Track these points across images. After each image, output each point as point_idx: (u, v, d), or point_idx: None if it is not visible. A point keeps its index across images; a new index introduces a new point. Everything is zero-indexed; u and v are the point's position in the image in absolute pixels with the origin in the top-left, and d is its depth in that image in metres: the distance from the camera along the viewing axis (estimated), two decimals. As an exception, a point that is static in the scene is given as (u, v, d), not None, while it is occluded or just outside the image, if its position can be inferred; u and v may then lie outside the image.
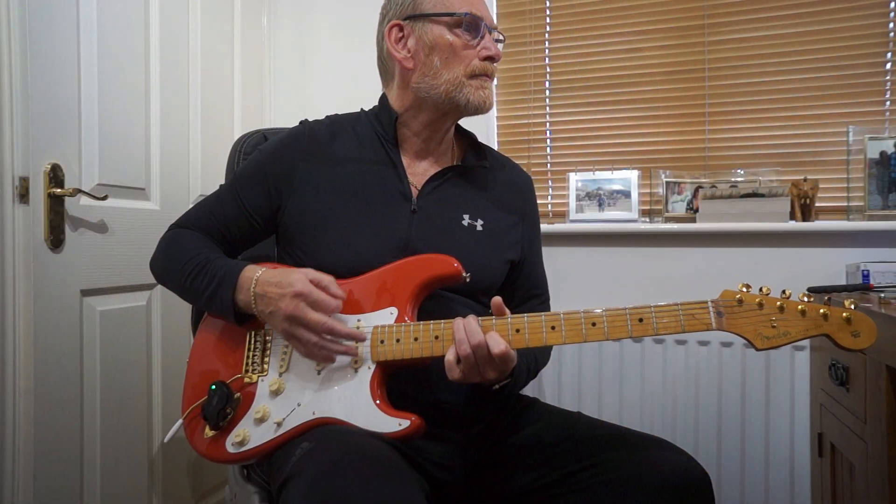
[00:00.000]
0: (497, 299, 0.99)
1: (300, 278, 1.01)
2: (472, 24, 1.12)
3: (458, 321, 0.97)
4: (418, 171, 1.19)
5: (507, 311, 0.99)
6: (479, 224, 1.18)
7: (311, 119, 1.24)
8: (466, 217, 1.17)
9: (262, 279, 1.04)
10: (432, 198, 1.16)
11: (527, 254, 1.25)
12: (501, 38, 1.21)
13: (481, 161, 1.23)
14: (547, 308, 1.29)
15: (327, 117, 1.25)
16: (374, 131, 1.20)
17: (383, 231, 1.12)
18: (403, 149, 1.20)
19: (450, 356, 0.96)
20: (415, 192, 1.16)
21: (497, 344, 0.94)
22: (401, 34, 1.15)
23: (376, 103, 1.25)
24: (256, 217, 1.17)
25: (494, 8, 2.06)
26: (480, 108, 1.15)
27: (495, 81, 1.22)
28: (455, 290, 1.11)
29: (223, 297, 1.07)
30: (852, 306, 0.88)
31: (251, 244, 1.23)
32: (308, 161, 1.16)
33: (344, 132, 1.21)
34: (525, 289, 1.26)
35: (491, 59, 1.14)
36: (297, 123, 1.25)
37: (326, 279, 1.02)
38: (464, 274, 1.04)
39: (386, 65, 1.21)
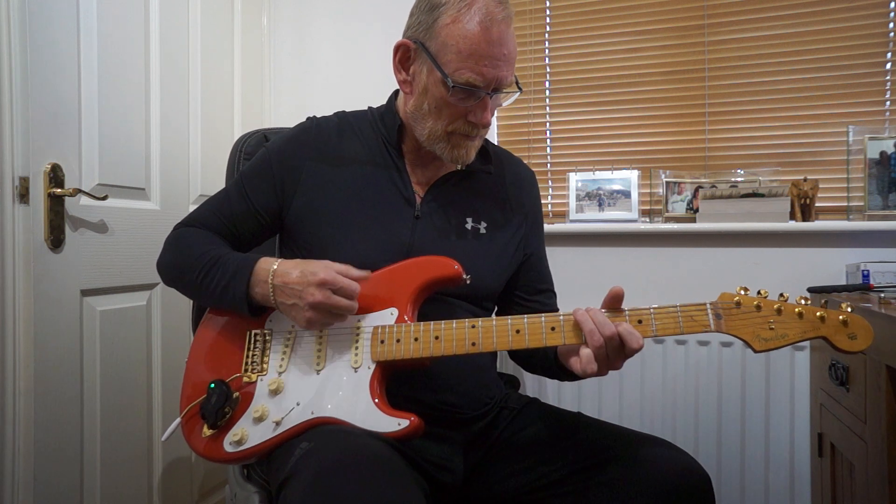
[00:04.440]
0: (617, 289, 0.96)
1: (323, 267, 1.00)
2: (466, 93, 1.05)
3: (581, 312, 0.94)
4: (423, 177, 1.18)
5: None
6: (482, 226, 1.17)
7: (318, 116, 1.23)
8: (470, 220, 1.17)
9: (281, 270, 1.03)
10: (435, 203, 1.16)
11: (532, 250, 1.25)
12: (517, 90, 1.13)
13: (486, 165, 1.22)
14: (554, 303, 1.29)
15: (335, 114, 1.24)
16: (379, 134, 1.19)
17: (387, 236, 1.11)
18: (408, 153, 1.18)
19: (585, 350, 0.94)
20: (418, 199, 1.16)
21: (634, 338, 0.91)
22: (408, 55, 1.11)
23: (382, 103, 1.23)
24: (264, 214, 1.16)
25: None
26: (456, 163, 1.14)
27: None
28: (457, 294, 1.11)
29: (236, 289, 1.05)
30: (849, 309, 0.89)
31: (258, 242, 1.22)
32: (315, 160, 1.16)
33: (351, 132, 1.19)
34: (532, 283, 1.26)
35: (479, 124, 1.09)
36: (302, 120, 1.23)
37: (343, 266, 1.01)
38: (464, 276, 1.03)
39: None
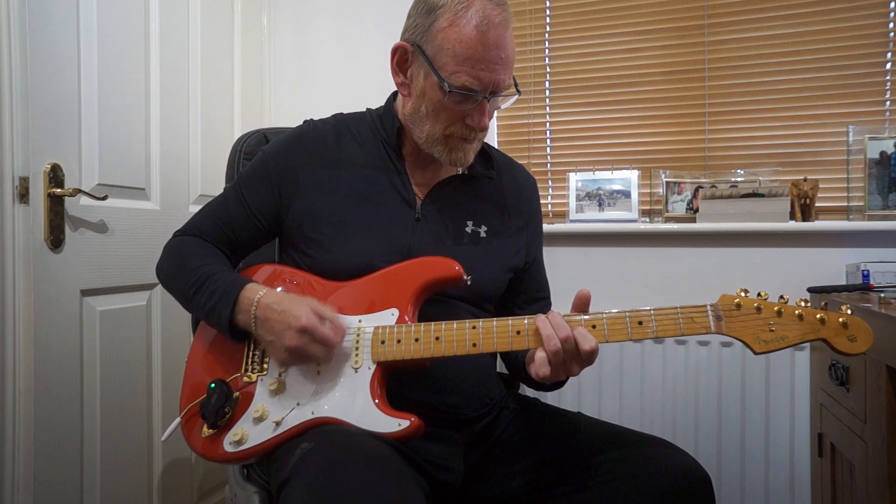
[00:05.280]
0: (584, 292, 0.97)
1: (306, 312, 0.98)
2: (462, 97, 1.04)
3: (542, 317, 0.95)
4: (422, 179, 1.17)
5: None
6: (482, 230, 1.17)
7: (315, 118, 1.22)
8: (470, 223, 1.16)
9: (264, 303, 1.02)
10: (436, 206, 1.15)
11: (532, 259, 1.25)
12: (516, 94, 1.11)
13: (488, 171, 1.21)
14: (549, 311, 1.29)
15: (333, 116, 1.23)
16: (379, 136, 1.18)
17: (387, 238, 1.11)
18: (408, 155, 1.17)
19: (540, 354, 0.95)
20: (419, 201, 1.15)
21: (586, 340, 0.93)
22: (405, 57, 1.10)
23: (382, 103, 1.22)
24: (262, 218, 1.16)
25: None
26: (454, 165, 1.14)
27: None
28: (458, 295, 1.11)
29: (221, 314, 1.05)
30: (849, 311, 0.89)
31: (257, 246, 1.21)
32: (312, 163, 1.15)
33: (349, 134, 1.19)
34: (529, 292, 1.26)
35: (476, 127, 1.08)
36: (299, 123, 1.23)
37: (329, 312, 1.00)
38: (465, 277, 1.03)
39: None
